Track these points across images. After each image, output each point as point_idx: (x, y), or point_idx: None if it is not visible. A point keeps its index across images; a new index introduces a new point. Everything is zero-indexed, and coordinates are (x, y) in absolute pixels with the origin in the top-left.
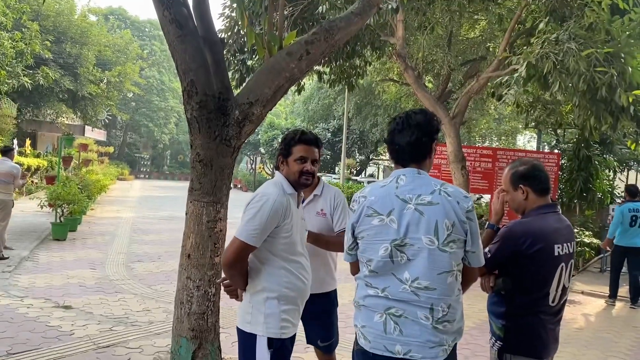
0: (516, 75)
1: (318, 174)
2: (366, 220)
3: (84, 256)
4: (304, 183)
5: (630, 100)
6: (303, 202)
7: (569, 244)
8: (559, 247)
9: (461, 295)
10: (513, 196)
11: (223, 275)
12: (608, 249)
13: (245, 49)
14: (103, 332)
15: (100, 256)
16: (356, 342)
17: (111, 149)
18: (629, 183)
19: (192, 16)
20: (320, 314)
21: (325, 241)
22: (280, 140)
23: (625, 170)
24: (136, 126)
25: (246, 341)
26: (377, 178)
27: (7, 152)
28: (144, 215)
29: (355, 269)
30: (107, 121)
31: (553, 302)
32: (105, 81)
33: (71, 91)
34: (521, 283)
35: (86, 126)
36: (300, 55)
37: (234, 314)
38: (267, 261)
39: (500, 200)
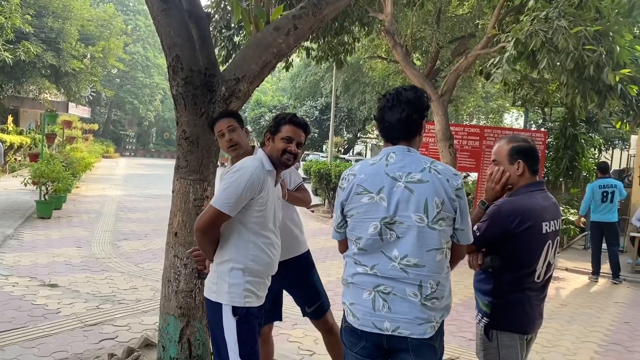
0: (507, 54)
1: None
2: (356, 198)
3: (70, 234)
4: (284, 162)
5: (618, 79)
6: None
7: (555, 221)
8: (546, 225)
9: (449, 273)
10: (507, 169)
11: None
12: (582, 225)
13: (232, 25)
14: (90, 310)
15: (86, 234)
16: (344, 320)
17: (96, 126)
18: (616, 161)
19: None
20: (298, 279)
21: (294, 197)
22: (269, 118)
23: (610, 148)
24: (121, 103)
25: (213, 309)
26: (365, 156)
27: None
28: (130, 193)
29: (343, 247)
30: (91, 98)
31: (538, 278)
32: (88, 57)
33: (54, 67)
34: (509, 261)
35: (70, 103)
36: (288, 30)
37: None
38: (237, 233)
39: (502, 178)
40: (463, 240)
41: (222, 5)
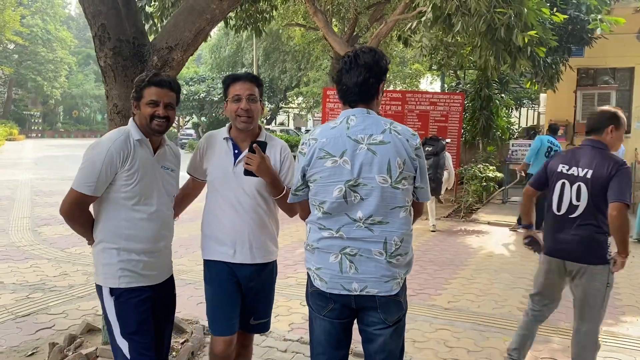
0: (424, 18)
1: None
2: (318, 162)
3: None
4: (155, 129)
5: (526, 40)
6: (241, 154)
7: (580, 169)
8: (564, 167)
9: (412, 229)
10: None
11: None
12: (523, 173)
13: None
14: (20, 301)
15: (1, 222)
16: (310, 284)
17: None
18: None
19: None
20: (260, 289)
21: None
22: (186, 92)
23: (519, 107)
24: (22, 81)
25: (97, 291)
26: (288, 125)
27: None
28: (43, 176)
29: (303, 211)
30: None
31: (558, 210)
32: None
33: None
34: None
35: None
36: None
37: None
38: (107, 211)
39: None
40: (422, 198)
41: None
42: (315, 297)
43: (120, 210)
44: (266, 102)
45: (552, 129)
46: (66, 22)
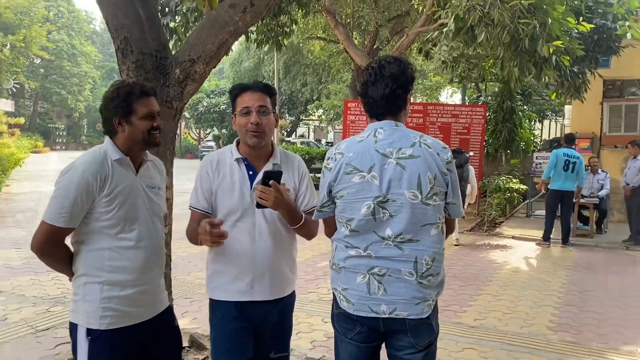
0: (445, 29)
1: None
2: (345, 178)
3: (6, 235)
4: (155, 142)
5: (551, 51)
6: (257, 175)
7: None
8: None
9: (444, 248)
10: None
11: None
12: (543, 190)
13: (167, 10)
14: (40, 314)
15: (24, 234)
16: (336, 306)
17: (22, 120)
18: (546, 132)
19: None
20: (277, 322)
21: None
22: (207, 104)
23: (542, 120)
24: (47, 94)
25: (71, 330)
26: (308, 138)
27: None
28: None
29: (329, 228)
30: (14, 90)
31: None
32: (8, 46)
33: None
34: None
35: None
36: (244, 7)
37: (186, 285)
38: (87, 241)
39: None
40: (454, 214)
41: None
42: (341, 319)
43: (103, 240)
44: (287, 115)
45: (568, 139)
46: (91, 37)
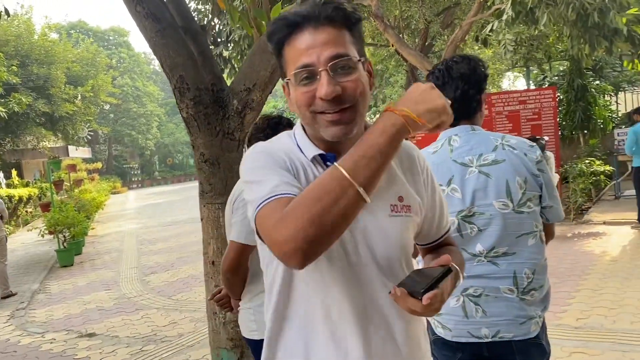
0: (505, 16)
1: None
2: None
3: (96, 278)
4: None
5: (624, 21)
6: None
7: None
8: None
9: (546, 258)
10: None
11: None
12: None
13: (219, 40)
14: (134, 355)
15: (113, 275)
16: (431, 332)
17: (99, 165)
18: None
19: (167, 7)
20: None
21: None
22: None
23: (617, 93)
24: (119, 137)
25: (258, 348)
26: None
27: None
28: (146, 225)
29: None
30: (90, 137)
31: None
32: (79, 97)
33: (47, 113)
34: None
35: (69, 146)
36: None
37: None
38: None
39: None
40: (553, 218)
41: (204, 20)
42: (439, 346)
43: None
44: None
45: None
46: (151, 77)
